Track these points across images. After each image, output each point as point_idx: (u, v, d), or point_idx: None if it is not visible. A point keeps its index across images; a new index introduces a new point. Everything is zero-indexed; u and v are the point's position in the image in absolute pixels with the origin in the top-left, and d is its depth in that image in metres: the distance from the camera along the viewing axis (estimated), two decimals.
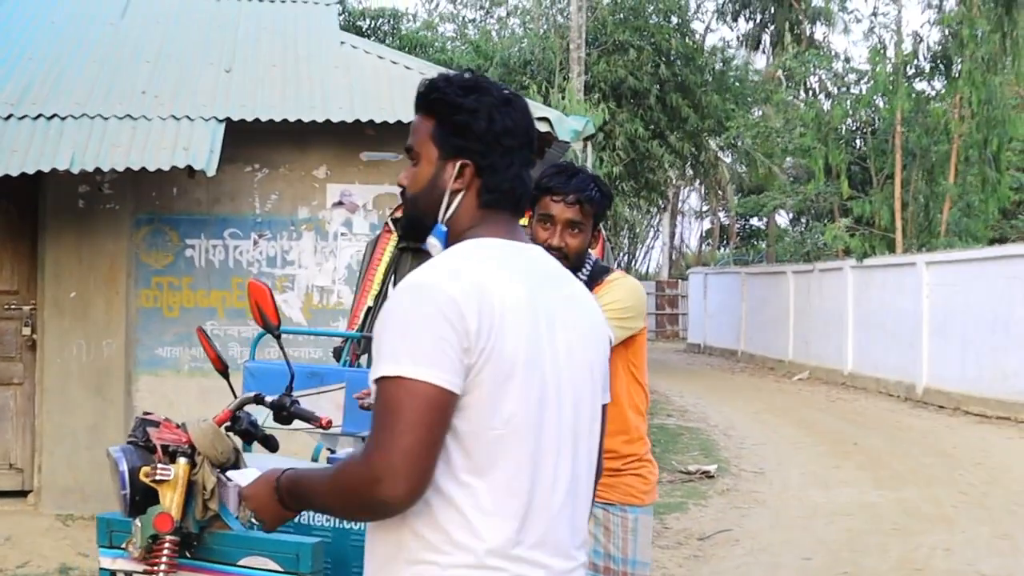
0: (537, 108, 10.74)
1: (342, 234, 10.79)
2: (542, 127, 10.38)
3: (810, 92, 28.90)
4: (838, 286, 25.52)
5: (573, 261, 4.37)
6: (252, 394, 5.07)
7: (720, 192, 45.29)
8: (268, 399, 4.99)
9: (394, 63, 11.61)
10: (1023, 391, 18.28)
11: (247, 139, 10.29)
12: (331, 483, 2.51)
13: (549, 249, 3.97)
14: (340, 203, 10.76)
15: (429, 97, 2.69)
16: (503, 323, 2.43)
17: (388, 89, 10.90)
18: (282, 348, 4.93)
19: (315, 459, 6.53)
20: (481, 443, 2.44)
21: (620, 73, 26.53)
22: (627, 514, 4.54)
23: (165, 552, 4.71)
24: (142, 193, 10.56)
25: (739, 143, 29.58)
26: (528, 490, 2.50)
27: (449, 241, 2.65)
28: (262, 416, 6.22)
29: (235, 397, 5.44)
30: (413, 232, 2.81)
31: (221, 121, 10.05)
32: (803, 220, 35.71)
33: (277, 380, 6.25)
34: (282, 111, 10.28)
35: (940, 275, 21.03)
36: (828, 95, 27.72)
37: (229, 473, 3.88)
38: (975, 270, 20.05)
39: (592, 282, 4.49)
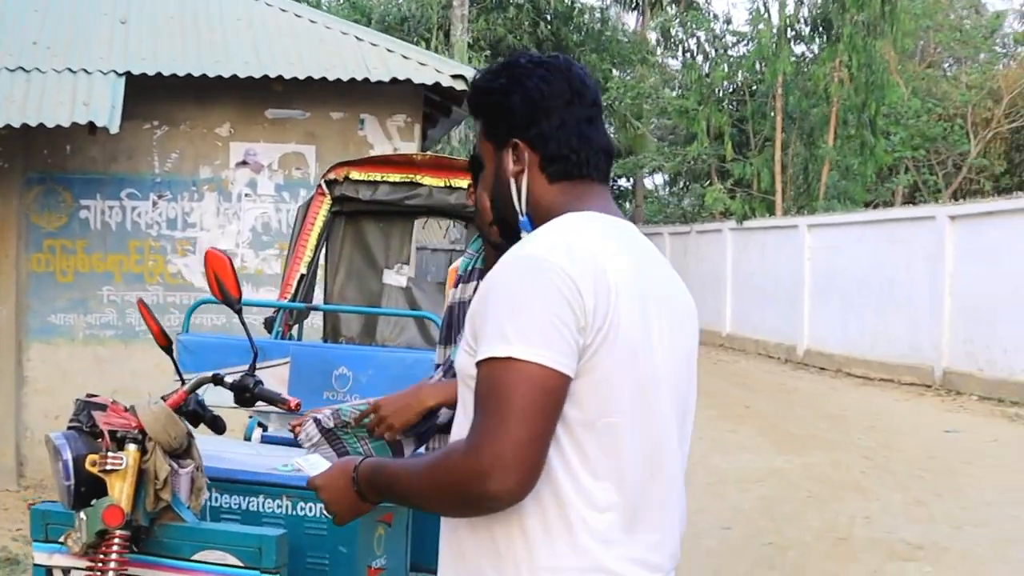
0: (452, 65, 10.40)
1: (246, 195, 10.32)
2: (458, 85, 10.04)
3: (688, 54, 28.82)
4: (717, 248, 25.60)
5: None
6: (210, 374, 4.68)
7: None
8: (229, 379, 4.59)
9: (298, 16, 11.10)
10: (905, 353, 18.51)
11: (145, 94, 9.74)
12: (428, 475, 2.30)
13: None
14: (244, 162, 10.28)
15: (472, 100, 2.57)
16: (618, 302, 2.25)
17: (295, 44, 10.44)
18: (244, 324, 4.55)
19: (248, 438, 6.15)
20: (593, 433, 2.26)
21: (499, 31, 26.21)
22: None
23: (115, 548, 4.34)
24: (33, 150, 9.96)
25: (617, 104, 29.36)
26: (641, 486, 2.34)
27: (536, 228, 2.46)
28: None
29: (179, 375, 5.05)
30: (507, 237, 2.60)
31: (121, 75, 9.50)
32: (680, 182, 35.82)
33: (214, 355, 5.85)
34: (184, 65, 9.75)
35: (822, 238, 21.18)
36: (706, 57, 27.68)
37: (296, 461, 3.54)
38: (857, 233, 20.22)
39: None
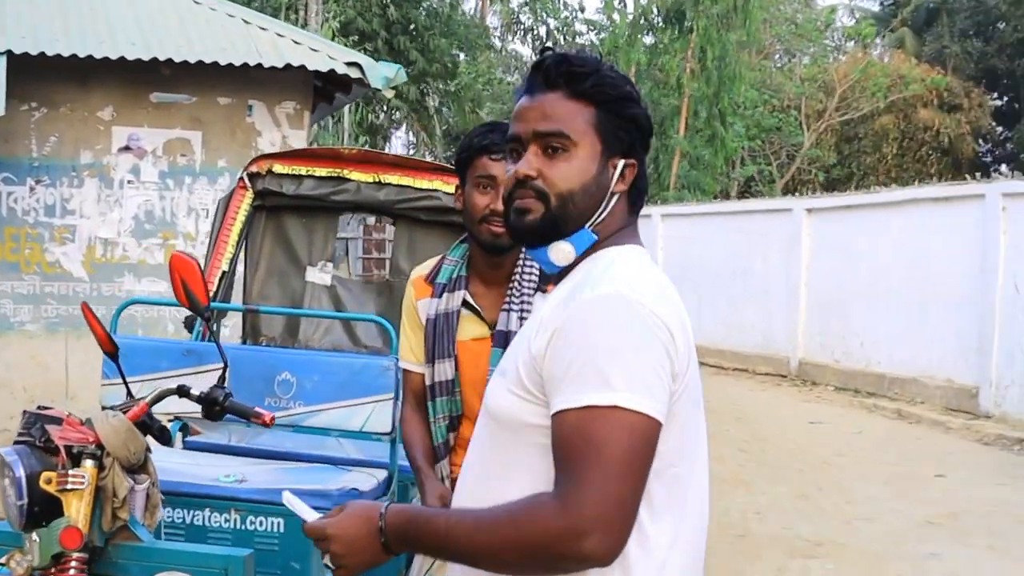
0: (344, 52, 10.13)
1: (129, 182, 9.92)
2: (352, 73, 9.79)
3: (538, 41, 28.83)
4: None
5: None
6: (174, 385, 4.45)
7: (427, 137, 45.02)
8: (195, 391, 4.36)
9: None
10: (760, 343, 18.85)
11: (23, 74, 9.24)
12: (505, 532, 2.06)
13: (489, 215, 3.58)
14: (127, 148, 9.88)
15: (587, 81, 2.25)
16: (689, 346, 2.18)
17: (180, 25, 10.06)
18: (214, 332, 4.36)
19: (169, 443, 5.87)
20: (662, 483, 2.14)
21: (350, 14, 25.84)
22: None
23: (72, 571, 4.10)
24: None
25: (464, 91, 29.16)
26: (696, 540, 2.29)
27: (589, 250, 2.31)
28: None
29: (125, 384, 4.81)
30: (542, 235, 2.33)
31: (1, 54, 9.01)
32: None
33: (146, 359, 5.59)
34: (68, 45, 9.30)
35: (676, 227, 21.43)
36: (556, 44, 27.72)
37: (286, 499, 3.18)
38: (713, 224, 20.51)
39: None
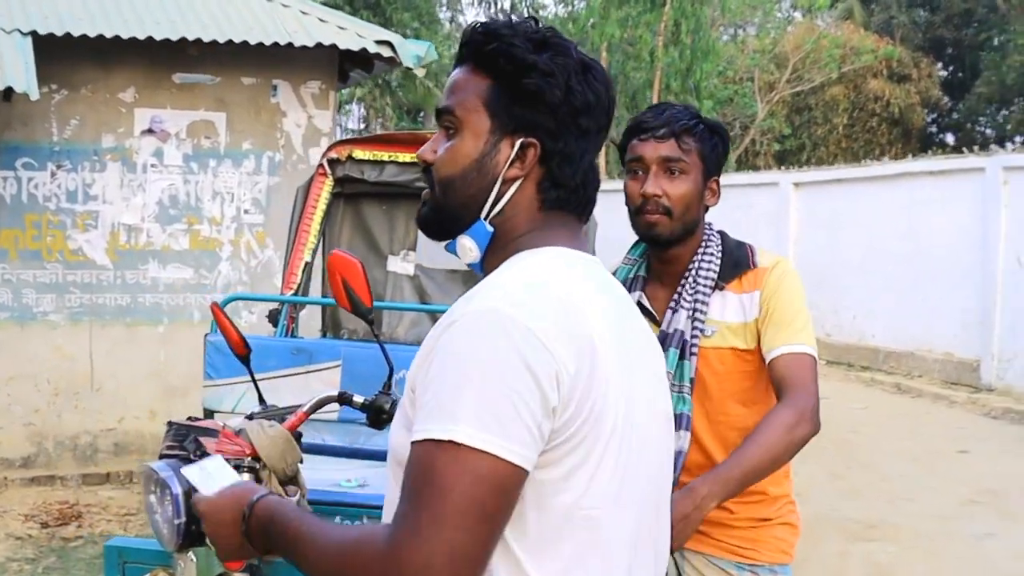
0: (377, 31, 9.85)
1: (152, 165, 9.57)
2: (384, 52, 9.53)
3: (500, 13, 28.53)
4: None
5: (679, 220, 3.32)
6: (335, 392, 4.24)
7: (379, 112, 44.61)
8: (359, 399, 4.15)
9: None
10: None
11: (43, 56, 8.83)
12: (335, 559, 1.82)
13: (645, 203, 3.29)
14: (150, 130, 9.53)
15: (485, 48, 1.97)
16: (605, 370, 1.83)
17: (203, 3, 9.70)
18: (377, 336, 4.11)
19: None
20: (552, 526, 1.83)
21: None
22: (778, 575, 3.48)
23: None
24: None
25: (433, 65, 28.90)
26: None
27: (493, 248, 2.01)
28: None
29: (257, 389, 4.59)
30: (438, 227, 2.08)
31: (26, 34, 8.65)
32: None
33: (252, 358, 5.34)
34: (93, 25, 8.93)
35: None
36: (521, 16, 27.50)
37: (184, 470, 2.87)
38: None
39: (733, 269, 3.38)
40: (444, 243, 2.11)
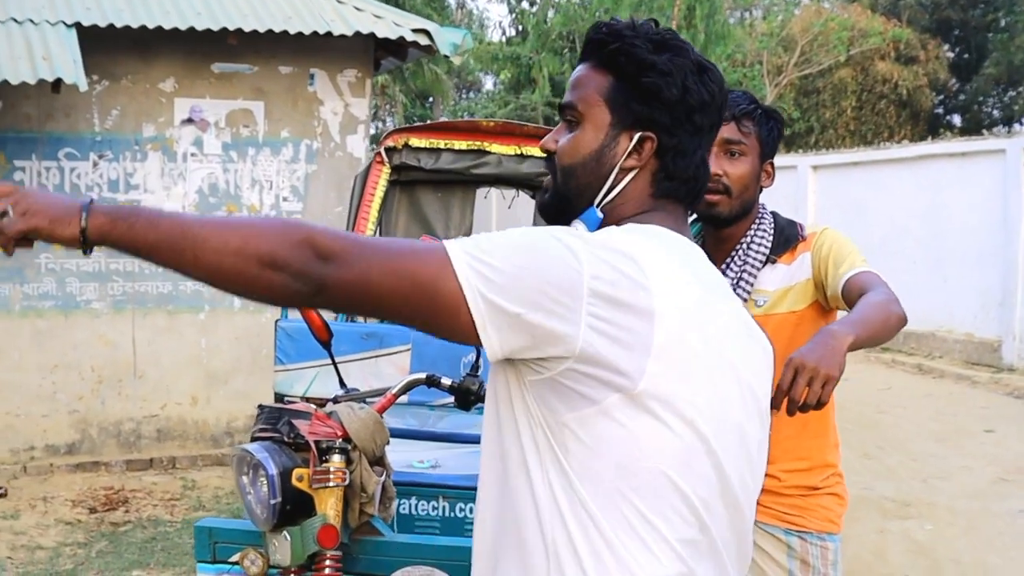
0: (413, 19, 9.93)
1: (192, 155, 9.67)
2: (421, 39, 9.61)
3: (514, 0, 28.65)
4: None
5: (738, 198, 3.47)
6: (423, 375, 4.35)
7: (390, 98, 44.59)
8: (447, 381, 4.26)
9: None
10: None
11: (84, 47, 8.91)
12: (250, 226, 1.82)
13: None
14: (190, 120, 9.62)
15: (608, 47, 2.09)
16: (669, 344, 1.87)
17: None
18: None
19: None
20: (639, 482, 1.88)
21: None
22: (827, 543, 3.62)
23: (327, 570, 4.02)
24: None
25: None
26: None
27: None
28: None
29: (337, 373, 4.71)
30: (555, 211, 2.18)
31: (70, 26, 8.74)
32: None
33: (316, 342, 5.44)
34: (133, 16, 9.02)
35: None
36: (532, 3, 27.54)
37: None
38: None
39: (784, 243, 3.56)
40: None
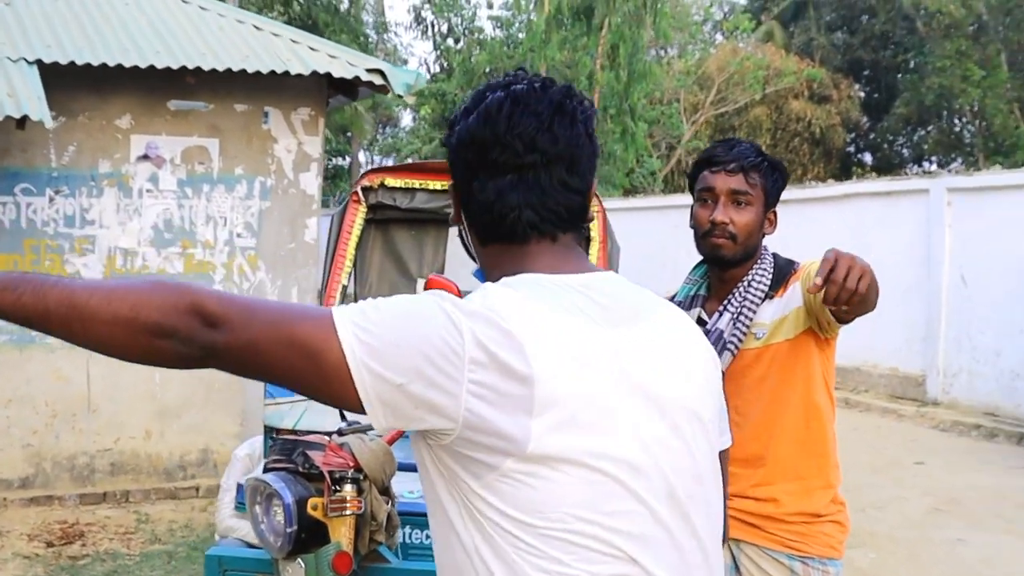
0: (367, 59, 10.11)
1: (147, 191, 9.75)
2: (376, 79, 9.79)
3: (439, 36, 28.87)
4: None
5: (742, 245, 3.70)
6: None
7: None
8: None
9: (185, 2, 10.52)
10: None
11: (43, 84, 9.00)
12: (137, 292, 1.82)
13: (712, 228, 3.69)
14: (146, 156, 9.70)
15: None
16: (554, 393, 1.86)
17: (196, 32, 9.92)
18: None
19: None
20: (546, 542, 1.88)
21: (251, 10, 25.56)
22: (828, 568, 3.73)
23: None
24: None
25: None
26: None
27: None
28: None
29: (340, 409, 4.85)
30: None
31: (32, 63, 8.81)
32: None
33: None
34: (93, 53, 9.10)
35: (616, 222, 21.73)
36: (456, 40, 27.79)
37: None
38: (642, 217, 20.85)
39: (781, 279, 3.73)
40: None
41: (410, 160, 31.82)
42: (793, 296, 3.69)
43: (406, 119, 39.26)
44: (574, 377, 1.89)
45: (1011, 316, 14.05)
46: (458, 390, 1.82)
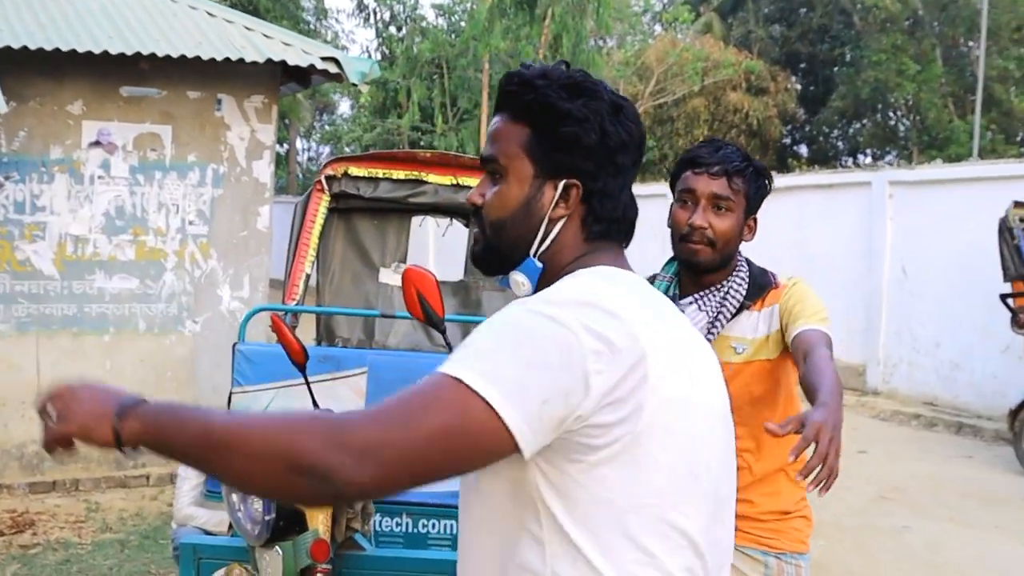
0: (322, 48, 10.09)
1: (99, 177, 9.67)
2: (330, 67, 9.78)
3: (381, 24, 28.78)
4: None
5: (720, 251, 3.64)
6: None
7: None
8: None
9: None
10: None
11: None
12: (272, 427, 1.81)
13: (691, 232, 3.61)
14: (97, 143, 9.62)
15: (524, 98, 2.13)
16: (655, 379, 1.91)
17: (149, 18, 9.86)
18: (448, 344, 4.42)
19: None
20: (641, 520, 1.93)
21: None
22: (799, 562, 3.83)
23: None
24: None
25: None
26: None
27: (546, 279, 2.14)
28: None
29: (311, 393, 4.90)
30: (492, 264, 2.24)
31: None
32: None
33: (275, 364, 5.61)
34: (45, 38, 9.01)
35: None
36: (399, 29, 27.74)
37: None
38: None
39: (757, 291, 3.74)
40: (498, 277, 2.26)
41: (349, 149, 31.80)
42: (773, 316, 3.70)
43: (343, 106, 39.15)
44: (669, 363, 1.95)
45: (951, 309, 14.28)
46: (582, 379, 1.83)
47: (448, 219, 7.00)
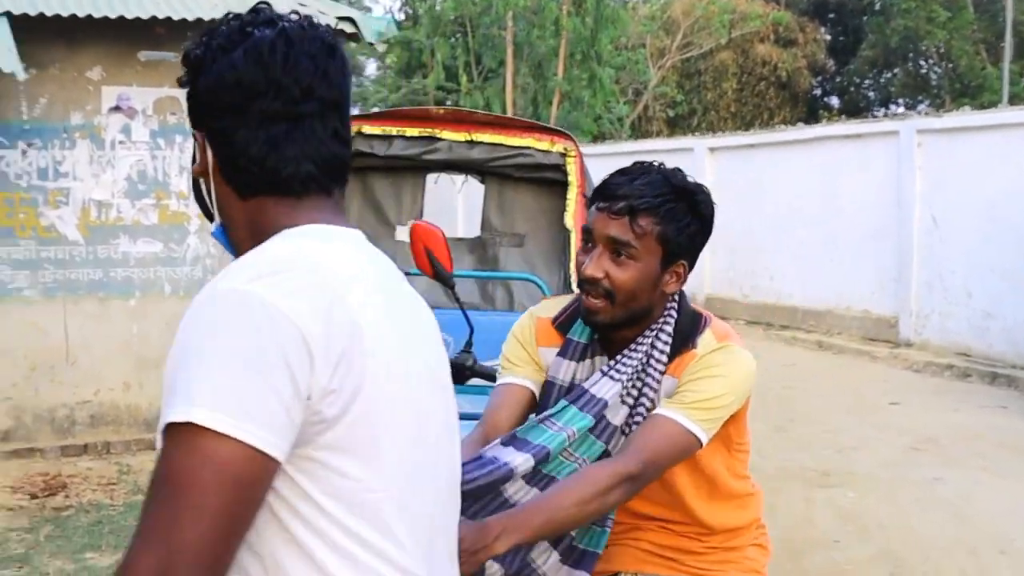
0: (338, 8, 10.05)
1: (120, 142, 9.69)
2: (347, 27, 9.74)
3: None
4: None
5: (622, 306, 2.94)
6: None
7: None
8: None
9: None
10: None
11: (13, 35, 8.91)
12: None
13: (583, 282, 2.95)
14: (117, 108, 9.64)
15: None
16: (372, 347, 1.71)
17: None
18: (458, 299, 4.37)
19: None
20: (338, 511, 1.70)
21: None
22: None
23: None
24: None
25: None
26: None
27: (249, 237, 1.89)
28: None
29: None
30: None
31: (1, 15, 8.72)
32: None
33: None
34: (63, 4, 9.02)
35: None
36: None
37: None
38: (612, 164, 20.83)
39: (677, 348, 3.01)
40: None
41: (377, 110, 31.73)
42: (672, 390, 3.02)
43: (370, 68, 39.04)
44: (387, 332, 1.77)
45: (982, 257, 14.17)
46: (295, 373, 1.64)
47: (463, 176, 6.96)
